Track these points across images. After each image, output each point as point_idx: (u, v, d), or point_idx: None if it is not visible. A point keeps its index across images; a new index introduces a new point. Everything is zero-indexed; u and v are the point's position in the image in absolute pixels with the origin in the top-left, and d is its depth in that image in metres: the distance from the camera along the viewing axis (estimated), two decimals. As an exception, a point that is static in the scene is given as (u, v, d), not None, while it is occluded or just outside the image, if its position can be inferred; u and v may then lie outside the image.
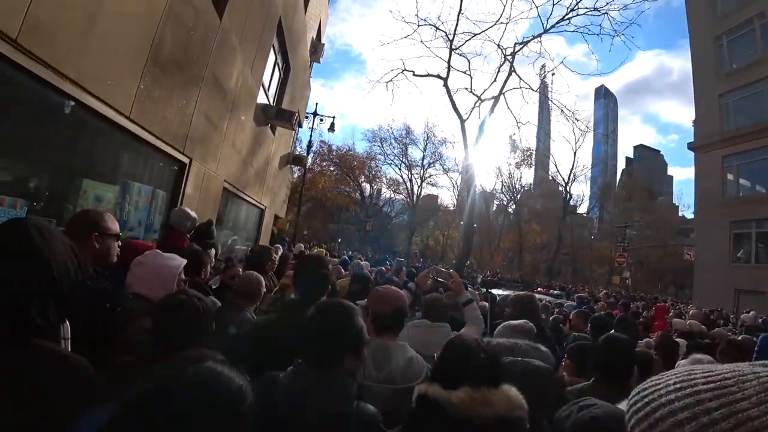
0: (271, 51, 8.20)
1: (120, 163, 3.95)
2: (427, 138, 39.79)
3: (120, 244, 2.05)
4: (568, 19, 15.83)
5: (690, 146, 21.61)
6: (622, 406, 0.51)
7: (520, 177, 43.22)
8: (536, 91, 18.87)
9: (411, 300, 3.18)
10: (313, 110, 18.17)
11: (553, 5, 16.09)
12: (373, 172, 40.10)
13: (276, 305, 3.43)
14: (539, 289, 24.30)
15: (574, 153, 39.89)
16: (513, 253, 44.10)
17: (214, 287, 3.35)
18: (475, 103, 17.80)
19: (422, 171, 40.41)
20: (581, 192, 54.62)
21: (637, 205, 41.84)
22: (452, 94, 17.31)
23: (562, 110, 18.23)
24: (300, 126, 14.77)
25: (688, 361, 2.84)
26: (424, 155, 40.29)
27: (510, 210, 44.53)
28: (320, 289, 2.16)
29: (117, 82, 3.26)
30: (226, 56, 5.61)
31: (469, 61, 17.69)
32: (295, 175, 23.18)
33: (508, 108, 19.21)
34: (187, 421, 0.77)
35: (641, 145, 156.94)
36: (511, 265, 43.26)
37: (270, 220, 11.54)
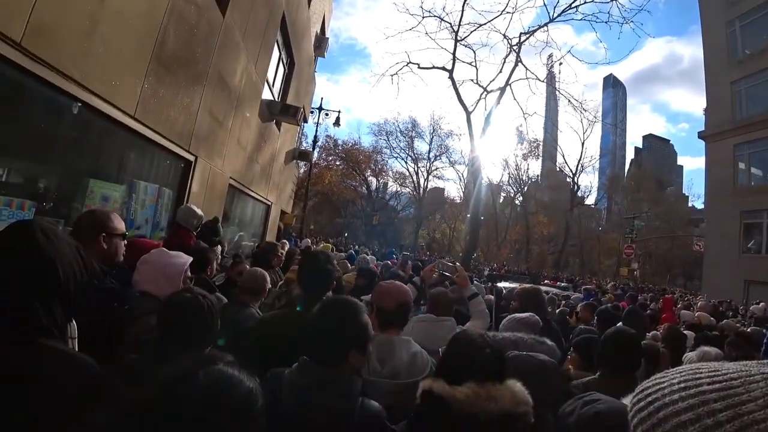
0: (275, 46, 8.17)
1: (126, 163, 3.98)
2: (433, 131, 39.56)
3: (126, 243, 2.07)
4: (576, 6, 15.53)
5: (701, 135, 21.29)
6: (628, 400, 0.50)
7: (527, 168, 42.92)
8: (543, 81, 18.57)
9: (416, 294, 3.20)
10: (318, 105, 18.16)
11: (561, -7, 15.78)
12: (379, 166, 40.04)
13: (281, 299, 3.46)
14: (546, 281, 24.19)
15: (582, 143, 39.29)
16: (520, 245, 43.87)
17: (219, 284, 3.38)
18: (481, 94, 17.59)
19: (428, 164, 40.25)
20: (589, 183, 54.38)
21: (645, 195, 41.35)
22: (458, 86, 17.14)
23: (569, 100, 17.94)
24: (305, 121, 14.75)
25: (696, 353, 2.82)
26: (430, 148, 40.12)
27: (517, 202, 44.23)
28: (325, 285, 2.17)
29: (121, 82, 3.28)
30: (229, 53, 5.60)
31: (474, 52, 17.43)
32: (301, 170, 23.22)
33: (515, 99, 18.90)
34: (199, 424, 0.78)
35: (650, 135, 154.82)
36: (518, 258, 43.07)
37: (276, 215, 11.58)
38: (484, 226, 33.30)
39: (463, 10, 16.45)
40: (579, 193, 41.96)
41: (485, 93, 17.47)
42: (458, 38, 16.72)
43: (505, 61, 17.25)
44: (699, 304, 9.17)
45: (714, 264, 19.53)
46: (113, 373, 1.26)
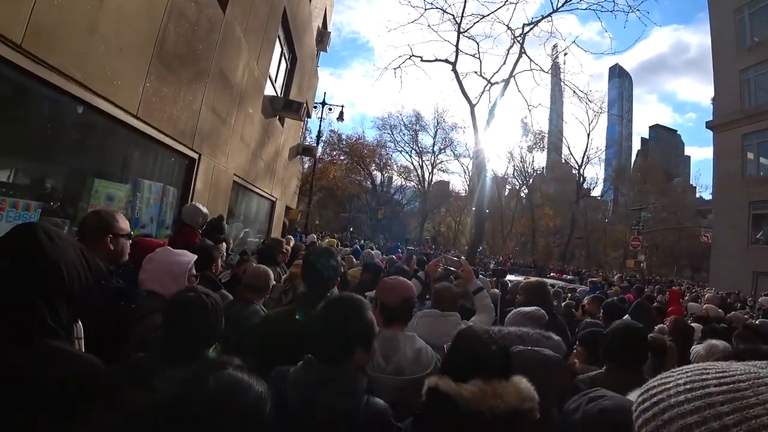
0: (277, 42, 8.15)
1: (130, 162, 4.00)
2: (437, 124, 39.49)
3: (131, 242, 2.09)
4: (580, -5, 15.31)
5: (708, 125, 21.02)
6: (634, 395, 0.49)
7: (533, 161, 42.74)
8: (548, 72, 18.39)
9: (421, 289, 3.19)
10: (321, 100, 18.12)
11: (565, -18, 15.56)
12: (384, 160, 40.02)
13: (288, 294, 3.48)
14: (552, 273, 24.14)
15: (588, 135, 38.95)
16: (526, 238, 43.74)
17: (224, 281, 3.40)
18: (485, 87, 17.44)
19: (433, 157, 40.21)
20: (595, 175, 53.98)
21: (652, 187, 41.02)
22: (461, 78, 16.99)
23: (574, 91, 17.74)
24: (309, 116, 14.74)
25: (703, 346, 2.79)
26: (434, 141, 40.05)
27: (522, 194, 44.01)
28: (329, 281, 2.17)
29: (123, 82, 3.28)
30: (231, 49, 5.59)
31: (478, 44, 17.30)
32: (306, 166, 23.25)
33: (519, 91, 18.68)
34: (209, 429, 0.79)
35: (657, 125, 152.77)
36: (524, 250, 42.98)
37: (281, 211, 11.62)
38: (490, 219, 33.19)
39: (465, 2, 16.32)
40: (585, 185, 41.73)
41: (489, 85, 17.33)
42: (461, 30, 16.57)
43: (508, 53, 17.11)
44: (707, 296, 9.11)
45: (722, 255, 19.36)
46: (119, 374, 1.27)
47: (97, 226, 1.86)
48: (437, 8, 16.54)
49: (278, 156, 9.81)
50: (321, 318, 1.46)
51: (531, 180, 43.48)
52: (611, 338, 2.14)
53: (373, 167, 39.50)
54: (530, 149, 40.91)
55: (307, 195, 19.94)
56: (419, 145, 40.04)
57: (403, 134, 39.60)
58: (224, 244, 4.04)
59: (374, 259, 6.23)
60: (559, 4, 15.74)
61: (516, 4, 16.11)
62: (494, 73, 17.44)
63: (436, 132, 39.72)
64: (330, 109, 18.08)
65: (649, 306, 4.75)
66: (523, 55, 16.63)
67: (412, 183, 41.87)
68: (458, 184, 52.96)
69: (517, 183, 44.05)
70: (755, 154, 18.82)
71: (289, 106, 8.88)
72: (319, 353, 1.40)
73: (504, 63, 17.10)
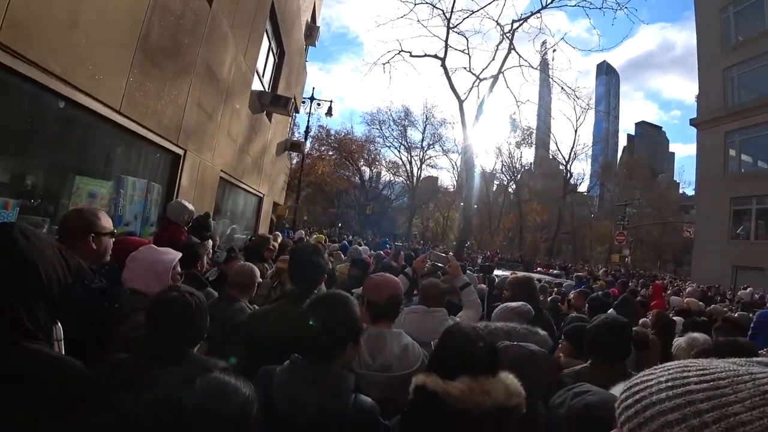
0: (265, 36, 8.03)
1: (112, 158, 3.91)
2: (426, 119, 39.48)
3: (115, 241, 2.05)
4: (570, -8, 15.40)
5: (693, 122, 21.39)
6: (618, 389, 0.50)
7: (521, 156, 42.96)
8: (536, 68, 18.55)
9: (408, 285, 3.20)
10: (310, 95, 17.98)
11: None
12: (373, 156, 39.92)
13: (276, 290, 3.46)
14: (539, 268, 24.42)
15: (575, 131, 39.33)
16: (513, 233, 44.12)
17: (212, 279, 3.37)
18: (474, 82, 17.51)
19: (422, 153, 40.22)
20: (582, 170, 54.57)
21: (637, 183, 41.66)
22: (450, 74, 17.03)
23: (562, 87, 17.90)
24: (297, 112, 14.60)
25: (685, 339, 2.86)
26: (423, 137, 40.05)
27: (510, 190, 44.36)
28: (316, 278, 2.17)
29: (105, 76, 3.19)
30: (217, 43, 5.50)
31: (467, 39, 17.33)
32: (294, 161, 23.07)
33: (508, 87, 18.99)
34: None
35: (643, 122, 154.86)
36: (511, 245, 43.35)
37: (269, 207, 11.53)
38: (478, 214, 33.43)
39: (455, -4, 16.28)
40: (572, 181, 42.20)
41: (478, 81, 17.40)
42: (450, 25, 16.58)
43: (497, 49, 17.18)
44: (688, 290, 9.32)
45: (704, 250, 19.79)
46: (102, 376, 1.24)
47: (78, 225, 1.82)
48: (427, 3, 16.54)
49: (266, 152, 9.72)
50: (306, 317, 1.45)
51: (519, 175, 43.80)
52: (596, 333, 2.17)
53: (361, 163, 39.40)
54: (518, 145, 41.23)
55: (295, 191, 19.82)
56: (408, 140, 40.06)
57: (392, 129, 39.58)
58: (210, 241, 3.99)
59: (362, 255, 6.23)
60: (548, 1, 15.84)
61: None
62: (483, 69, 17.52)
63: (424, 127, 39.78)
64: (318, 105, 18.01)
65: (634, 301, 4.85)
66: (512, 51, 16.73)
67: (400, 178, 41.92)
68: (447, 179, 53.04)
69: (505, 178, 44.41)
70: (737, 151, 19.22)
71: (276, 102, 8.79)
72: (307, 351, 1.39)
73: (493, 59, 17.19)
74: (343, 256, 7.13)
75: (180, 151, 4.98)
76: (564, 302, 6.37)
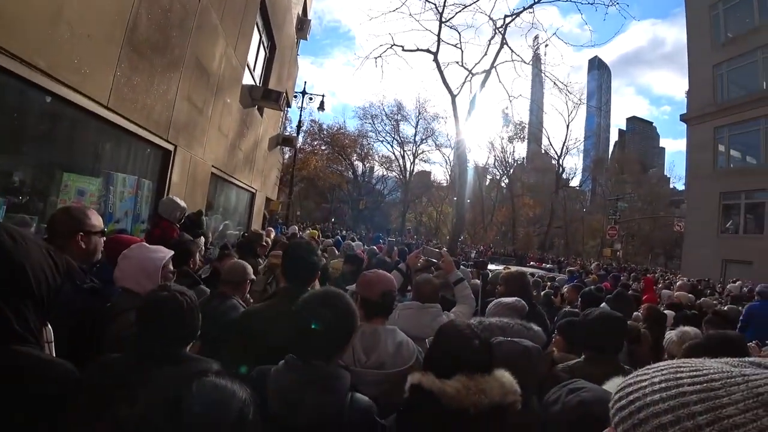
0: (255, 29, 7.93)
1: (101, 154, 3.84)
2: (419, 114, 39.43)
3: (106, 239, 2.01)
4: (562, -13, 15.43)
5: (683, 118, 21.59)
6: (612, 384, 0.50)
7: (513, 151, 43.23)
8: (529, 63, 18.56)
9: (402, 281, 3.20)
10: (302, 89, 17.84)
11: (546, -26, 15.65)
12: (365, 150, 39.85)
13: (272, 286, 3.44)
14: (532, 262, 24.63)
15: (567, 126, 39.63)
16: (506, 227, 44.41)
17: (204, 276, 3.34)
18: (466, 77, 17.53)
19: (414, 147, 40.24)
20: (574, 165, 54.95)
21: (629, 177, 42.14)
22: (443, 68, 17.04)
23: (555, 82, 18.04)
24: (288, 106, 14.48)
25: (675, 333, 2.89)
26: (416, 131, 40.04)
27: (503, 184, 44.58)
28: (310, 276, 2.15)
29: (92, 70, 3.12)
30: (207, 37, 5.41)
31: (459, 33, 17.36)
32: (286, 156, 22.94)
33: (500, 82, 18.90)
34: None
35: (634, 117, 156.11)
36: (504, 240, 43.65)
37: (261, 202, 11.45)
38: (471, 208, 33.57)
39: (447, -9, 16.22)
40: (564, 176, 42.58)
41: (470, 75, 17.41)
42: (443, 19, 16.56)
43: (490, 43, 17.20)
44: (678, 284, 9.44)
45: (693, 244, 20.07)
46: (93, 376, 1.22)
47: (67, 225, 1.79)
48: (419, -3, 16.43)
49: (257, 147, 9.63)
50: (301, 316, 1.42)
51: (511, 170, 44.04)
52: (590, 327, 2.18)
53: (354, 157, 39.32)
54: (511, 140, 41.38)
55: (288, 186, 19.72)
56: (401, 135, 40.05)
57: (385, 124, 39.51)
58: (203, 238, 3.96)
59: (355, 251, 6.22)
60: (541, -5, 15.82)
61: (498, -6, 16.09)
62: (476, 64, 17.54)
63: (417, 122, 39.76)
64: (311, 99, 17.84)
65: (628, 295, 4.89)
66: (505, 46, 16.78)
67: (393, 173, 41.92)
68: (440, 174, 53.33)
69: (498, 173, 44.64)
70: (726, 146, 19.44)
71: (268, 96, 8.69)
72: (301, 352, 1.36)
73: (485, 53, 17.23)
74: (336, 251, 7.11)
75: (170, 147, 4.90)
76: (557, 296, 6.44)
